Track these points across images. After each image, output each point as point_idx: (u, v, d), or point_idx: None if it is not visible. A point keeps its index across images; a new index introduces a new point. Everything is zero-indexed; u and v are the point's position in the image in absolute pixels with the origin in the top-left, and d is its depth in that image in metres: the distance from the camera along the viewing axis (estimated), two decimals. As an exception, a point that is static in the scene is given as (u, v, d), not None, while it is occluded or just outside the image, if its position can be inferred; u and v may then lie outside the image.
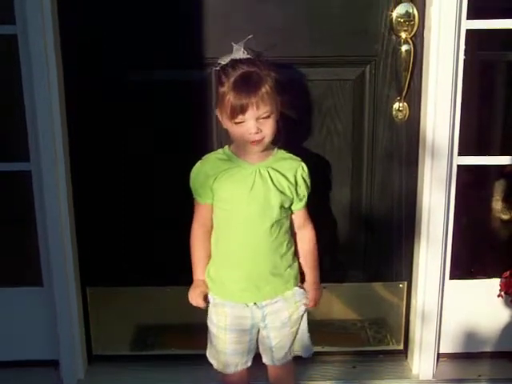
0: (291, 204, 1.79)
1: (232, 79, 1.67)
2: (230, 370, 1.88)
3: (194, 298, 1.82)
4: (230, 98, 1.66)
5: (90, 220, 2.13)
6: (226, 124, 1.72)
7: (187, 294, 1.83)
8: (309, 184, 1.81)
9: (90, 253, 2.16)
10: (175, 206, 1.84)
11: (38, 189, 2.05)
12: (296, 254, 1.85)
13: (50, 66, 1.92)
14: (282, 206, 1.75)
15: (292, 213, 1.82)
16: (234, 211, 1.75)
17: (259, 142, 1.70)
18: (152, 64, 2.00)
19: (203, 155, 1.80)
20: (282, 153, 1.80)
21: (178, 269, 1.90)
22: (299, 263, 1.86)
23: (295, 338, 1.88)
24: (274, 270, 1.79)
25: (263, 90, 1.68)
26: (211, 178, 1.74)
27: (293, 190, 1.77)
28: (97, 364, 2.28)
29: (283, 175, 1.76)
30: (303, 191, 1.80)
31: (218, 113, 1.75)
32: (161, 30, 1.96)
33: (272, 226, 1.74)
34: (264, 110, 1.68)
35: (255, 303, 1.80)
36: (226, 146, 1.80)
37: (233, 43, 1.72)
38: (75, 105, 2.01)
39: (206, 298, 1.83)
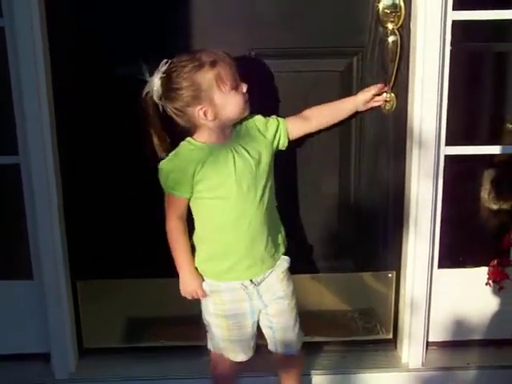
0: (278, 146, 1.85)
1: (211, 61, 1.67)
2: (241, 357, 1.90)
3: (195, 290, 1.82)
4: (227, 69, 1.68)
5: (80, 213, 2.12)
6: (226, 100, 1.69)
7: (178, 287, 1.83)
8: (270, 119, 1.84)
9: (79, 246, 2.15)
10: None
11: (27, 182, 2.04)
12: None
13: (38, 58, 1.91)
14: (270, 164, 1.79)
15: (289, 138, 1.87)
16: (225, 195, 1.74)
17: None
18: (140, 58, 1.99)
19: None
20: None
21: (169, 260, 1.90)
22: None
23: (296, 322, 1.90)
24: (272, 235, 1.82)
25: None
26: (190, 171, 1.72)
27: (270, 140, 1.81)
28: (88, 357, 2.28)
29: (253, 139, 1.79)
30: (273, 129, 1.83)
31: (200, 107, 1.69)
32: (150, 24, 1.95)
33: (263, 192, 1.77)
34: None
35: (251, 281, 1.81)
36: (188, 139, 1.78)
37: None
38: (64, 97, 2.00)
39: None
